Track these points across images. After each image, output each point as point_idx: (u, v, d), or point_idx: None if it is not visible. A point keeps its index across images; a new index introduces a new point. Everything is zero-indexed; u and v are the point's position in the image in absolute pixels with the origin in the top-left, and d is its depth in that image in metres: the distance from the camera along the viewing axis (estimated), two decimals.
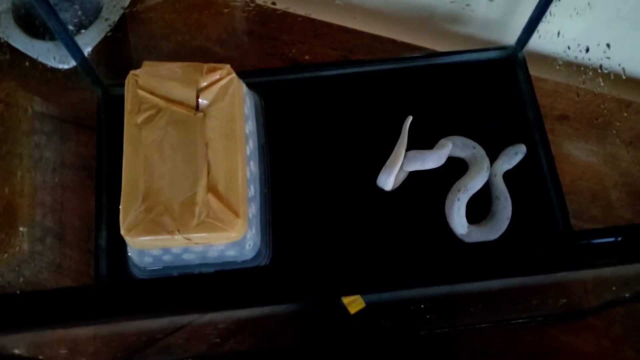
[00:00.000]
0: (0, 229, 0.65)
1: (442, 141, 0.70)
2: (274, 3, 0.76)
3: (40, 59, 0.74)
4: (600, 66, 0.61)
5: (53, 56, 0.75)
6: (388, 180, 0.67)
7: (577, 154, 0.72)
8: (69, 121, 0.73)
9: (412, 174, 0.69)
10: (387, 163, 0.68)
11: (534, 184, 0.69)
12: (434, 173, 0.69)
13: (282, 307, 0.54)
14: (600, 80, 0.64)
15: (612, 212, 0.69)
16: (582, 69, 0.66)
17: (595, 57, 0.62)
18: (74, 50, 0.66)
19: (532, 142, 0.71)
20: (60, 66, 0.75)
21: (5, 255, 0.64)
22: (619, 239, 0.32)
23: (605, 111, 0.73)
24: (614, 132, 0.72)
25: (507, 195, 0.67)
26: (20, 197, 0.68)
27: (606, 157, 0.72)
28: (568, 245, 0.32)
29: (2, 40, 0.72)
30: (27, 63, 0.72)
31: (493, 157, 0.70)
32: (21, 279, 0.64)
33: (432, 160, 0.68)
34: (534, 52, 0.75)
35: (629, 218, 0.67)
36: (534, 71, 0.74)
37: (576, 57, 0.64)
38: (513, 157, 0.69)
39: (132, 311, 0.35)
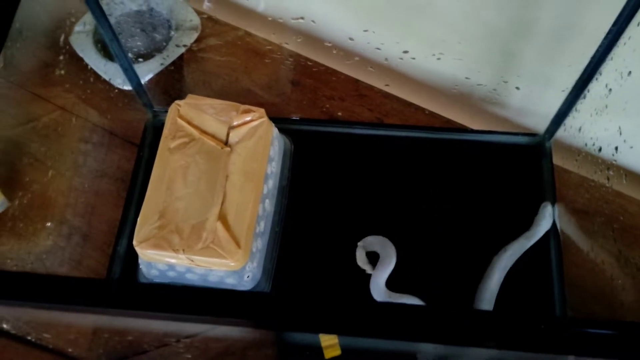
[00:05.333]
0: (35, 220, 0.73)
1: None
2: (324, 66, 0.82)
3: (107, 78, 0.83)
4: (608, 168, 0.63)
5: (119, 77, 0.83)
6: (375, 291, 0.69)
7: (590, 250, 0.72)
8: (118, 136, 0.81)
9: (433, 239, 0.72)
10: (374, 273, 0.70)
11: (538, 273, 0.70)
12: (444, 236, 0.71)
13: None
14: (615, 181, 0.65)
15: (614, 313, 0.68)
16: (601, 168, 0.67)
17: (606, 158, 0.63)
18: (131, 74, 0.73)
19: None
20: (124, 87, 0.83)
21: (35, 245, 0.71)
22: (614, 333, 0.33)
23: (627, 212, 0.73)
24: (633, 235, 0.72)
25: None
26: (59, 196, 0.75)
27: (620, 258, 0.72)
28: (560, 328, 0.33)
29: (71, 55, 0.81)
30: (92, 79, 0.81)
31: (500, 239, 0.71)
32: (43, 268, 0.71)
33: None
34: (563, 143, 0.76)
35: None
36: (561, 162, 0.76)
37: (592, 156, 0.65)
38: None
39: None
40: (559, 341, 0.34)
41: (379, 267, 0.69)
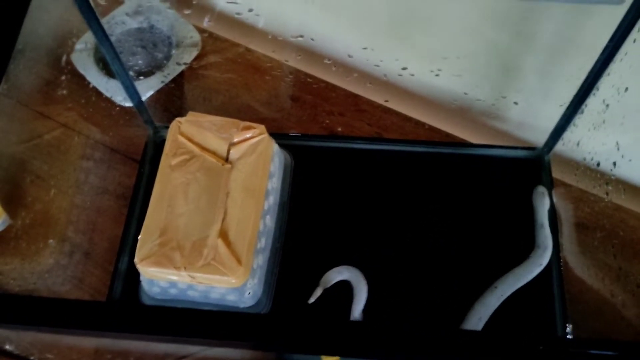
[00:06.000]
0: (38, 239, 0.73)
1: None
2: (324, 82, 0.83)
3: (109, 95, 0.84)
4: (607, 182, 0.63)
5: (120, 94, 0.84)
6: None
7: (590, 265, 0.73)
8: (119, 153, 0.81)
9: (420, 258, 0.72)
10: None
11: (539, 289, 0.70)
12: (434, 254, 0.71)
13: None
14: (614, 195, 0.65)
15: (615, 329, 0.68)
16: (600, 183, 0.68)
17: (605, 172, 0.64)
18: (132, 92, 0.74)
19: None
20: (125, 104, 0.84)
21: (37, 263, 0.71)
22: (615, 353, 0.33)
23: (627, 226, 0.73)
24: (633, 250, 0.72)
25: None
26: (61, 214, 0.76)
27: (619, 273, 0.72)
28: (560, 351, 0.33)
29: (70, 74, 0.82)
30: (94, 96, 0.82)
31: (500, 253, 0.71)
32: (46, 287, 0.71)
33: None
34: (562, 157, 0.77)
35: (631, 339, 0.66)
36: (560, 176, 0.76)
37: (591, 170, 0.66)
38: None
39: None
40: None
41: (354, 302, 0.69)
